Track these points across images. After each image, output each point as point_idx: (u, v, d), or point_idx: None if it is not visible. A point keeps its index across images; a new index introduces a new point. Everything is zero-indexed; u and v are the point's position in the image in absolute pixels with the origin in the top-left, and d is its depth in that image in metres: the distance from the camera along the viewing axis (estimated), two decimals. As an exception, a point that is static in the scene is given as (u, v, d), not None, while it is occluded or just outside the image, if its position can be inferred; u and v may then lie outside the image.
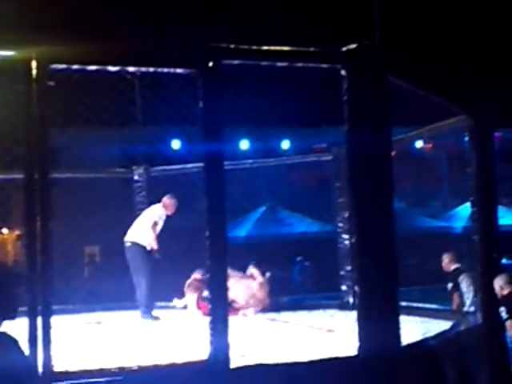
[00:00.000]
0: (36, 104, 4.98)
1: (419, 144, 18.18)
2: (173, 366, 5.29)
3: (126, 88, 9.06)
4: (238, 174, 11.22)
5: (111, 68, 5.12)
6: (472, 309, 8.75)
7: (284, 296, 11.03)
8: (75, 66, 5.04)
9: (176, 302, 10.43)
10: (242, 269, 10.34)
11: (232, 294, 9.91)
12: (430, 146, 17.79)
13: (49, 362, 4.92)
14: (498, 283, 7.80)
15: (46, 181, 5.08)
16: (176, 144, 18.09)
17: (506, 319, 7.60)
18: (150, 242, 9.57)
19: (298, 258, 19.51)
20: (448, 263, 9.75)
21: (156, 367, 5.24)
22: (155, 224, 9.65)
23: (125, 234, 9.83)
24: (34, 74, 4.93)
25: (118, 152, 15.23)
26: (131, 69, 5.29)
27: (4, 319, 3.87)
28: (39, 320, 4.93)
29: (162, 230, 9.77)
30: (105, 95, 9.10)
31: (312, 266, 19.03)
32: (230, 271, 9.96)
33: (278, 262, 19.15)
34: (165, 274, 10.30)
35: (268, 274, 10.21)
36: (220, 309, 5.24)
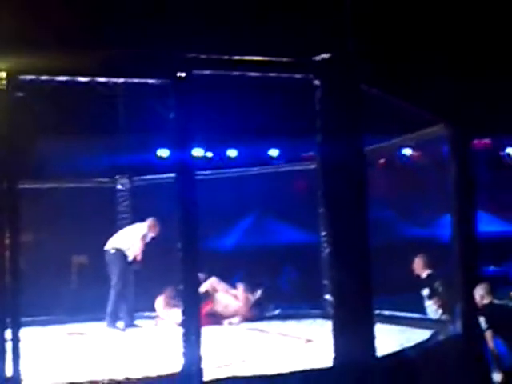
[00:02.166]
0: (5, 115, 4.95)
1: (408, 152, 18.19)
2: (145, 380, 5.23)
3: (110, 97, 9.02)
4: (224, 183, 11.20)
5: (81, 79, 5.08)
6: (443, 317, 8.73)
7: (270, 305, 10.96)
8: (44, 77, 5.00)
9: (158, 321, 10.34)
10: (231, 277, 10.38)
11: (219, 305, 9.95)
12: (418, 154, 17.79)
13: (18, 375, 4.86)
14: (479, 292, 7.77)
15: (14, 191, 5.01)
16: (164, 153, 18.03)
17: (486, 329, 7.58)
18: (134, 252, 9.73)
19: (286, 268, 19.44)
20: (422, 267, 9.62)
21: (128, 380, 5.19)
22: (144, 236, 9.84)
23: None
24: (3, 84, 4.90)
25: (104, 162, 15.15)
26: (101, 79, 5.24)
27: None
28: (8, 332, 4.87)
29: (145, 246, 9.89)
30: (87, 105, 9.07)
31: (299, 276, 18.95)
32: (217, 283, 10.07)
33: (266, 272, 19.11)
34: (151, 284, 10.26)
35: (259, 292, 10.20)
36: (193, 321, 5.20)
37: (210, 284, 10.03)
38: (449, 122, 6.90)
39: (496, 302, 8.05)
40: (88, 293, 13.42)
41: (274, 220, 19.81)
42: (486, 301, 7.84)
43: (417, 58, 6.07)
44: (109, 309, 9.53)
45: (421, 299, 9.59)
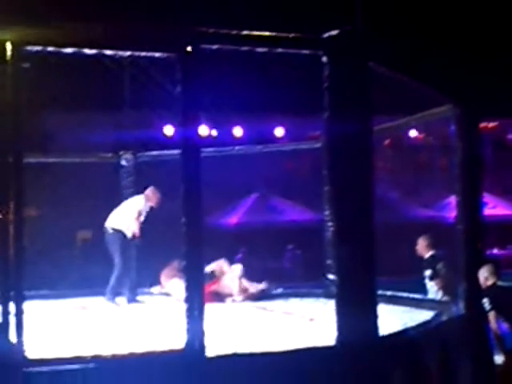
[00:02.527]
0: (11, 86, 4.91)
1: (413, 134, 18.12)
2: (148, 355, 5.23)
3: (118, 72, 8.98)
4: (229, 161, 11.18)
5: (87, 51, 5.04)
6: (445, 298, 8.73)
7: (274, 284, 10.97)
8: (50, 49, 4.96)
9: (154, 289, 10.41)
10: (234, 255, 10.36)
11: (224, 288, 9.91)
12: (424, 135, 17.75)
13: (21, 348, 4.86)
14: (483, 274, 7.78)
15: (20, 165, 4.99)
16: (169, 130, 18.00)
17: (489, 310, 7.58)
18: (132, 230, 9.67)
19: (290, 247, 19.46)
20: (425, 248, 9.59)
21: (132, 355, 5.19)
22: (139, 214, 9.75)
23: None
24: (9, 55, 4.86)
25: (110, 137, 15.13)
26: (108, 52, 5.20)
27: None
28: (11, 306, 4.87)
29: (145, 220, 9.85)
30: (94, 80, 9.03)
31: (303, 255, 18.99)
32: (225, 265, 10.03)
33: (270, 250, 19.13)
34: (153, 260, 10.28)
35: (265, 285, 10.17)
36: (196, 296, 5.19)
37: (217, 264, 10.00)
38: (457, 103, 6.84)
39: (500, 283, 8.05)
40: (92, 267, 13.49)
41: (278, 199, 19.81)
42: (490, 282, 7.84)
43: (426, 36, 6.00)
44: (110, 284, 9.55)
45: (422, 278, 9.58)
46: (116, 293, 9.58)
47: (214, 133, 18.31)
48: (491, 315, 7.62)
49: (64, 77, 8.24)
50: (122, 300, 9.60)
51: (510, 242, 22.94)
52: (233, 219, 18.91)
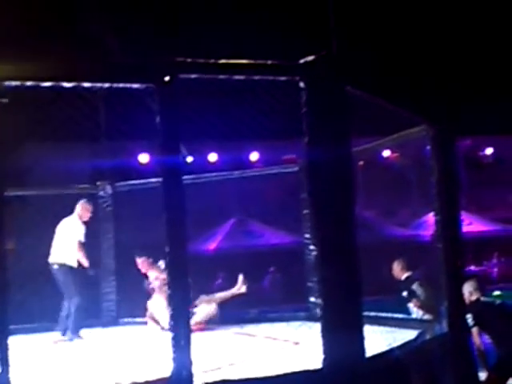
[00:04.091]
0: (-10, 122, 4.91)
1: (386, 153, 18.26)
2: (135, 385, 5.21)
3: (91, 103, 9.00)
4: (206, 188, 11.18)
5: (66, 84, 5.05)
6: (426, 317, 8.82)
7: (254, 308, 10.96)
8: (29, 83, 4.96)
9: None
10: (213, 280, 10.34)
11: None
12: (397, 155, 17.90)
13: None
14: (468, 289, 7.84)
15: (0, 199, 4.98)
16: (144, 158, 18.02)
17: (472, 326, 7.63)
18: (80, 261, 9.26)
19: (271, 269, 19.48)
20: (400, 271, 9.73)
21: (118, 386, 5.17)
22: (81, 243, 9.35)
23: (91, 250, 9.73)
24: (-13, 91, 4.86)
25: (85, 168, 15.10)
26: (87, 84, 5.22)
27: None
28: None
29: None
30: (68, 111, 9.02)
31: (283, 278, 19.01)
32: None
33: (249, 274, 19.06)
34: (130, 290, 10.23)
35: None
36: (182, 325, 5.17)
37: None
38: (432, 123, 6.93)
39: (483, 299, 8.12)
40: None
41: (255, 223, 19.84)
42: (474, 297, 7.90)
43: (400, 58, 6.09)
44: (71, 323, 9.08)
45: (402, 300, 9.68)
46: (79, 327, 9.18)
47: (189, 159, 18.38)
48: (474, 331, 7.67)
49: (39, 110, 8.24)
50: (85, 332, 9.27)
51: (485, 258, 23.15)
52: (211, 245, 18.90)
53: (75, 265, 9.27)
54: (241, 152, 19.47)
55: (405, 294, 9.51)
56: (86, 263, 9.29)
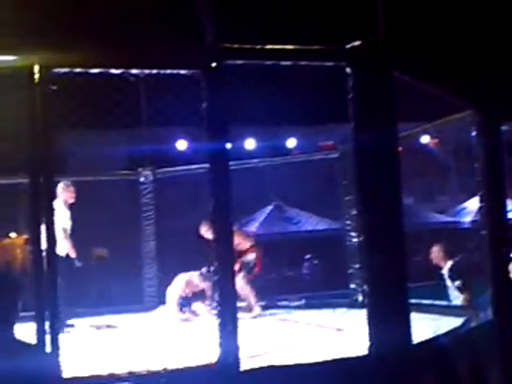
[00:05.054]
0: (39, 108, 4.95)
1: (425, 139, 18.08)
2: (182, 370, 5.24)
3: (131, 90, 9.03)
4: (244, 174, 11.20)
5: (114, 71, 5.08)
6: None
7: (294, 295, 10.97)
8: (78, 70, 5.00)
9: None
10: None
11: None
12: (436, 140, 17.71)
13: (57, 367, 4.88)
14: None
15: (50, 185, 5.04)
16: (182, 145, 18.05)
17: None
18: (65, 251, 8.54)
19: (307, 256, 19.46)
20: (441, 257, 9.56)
21: (165, 371, 5.20)
22: (65, 231, 8.62)
23: (133, 236, 9.81)
24: (37, 78, 4.91)
25: (124, 154, 15.22)
26: (134, 71, 5.24)
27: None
28: (47, 324, 4.89)
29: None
30: (109, 98, 9.07)
31: (321, 265, 18.98)
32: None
33: (287, 260, 19.13)
34: (172, 273, 10.27)
35: None
36: (229, 310, 5.19)
37: None
38: (478, 108, 6.84)
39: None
40: (110, 285, 13.53)
41: (293, 209, 19.80)
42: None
43: (446, 44, 6.03)
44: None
45: (443, 286, 9.56)
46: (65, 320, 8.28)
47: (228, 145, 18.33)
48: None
49: (79, 97, 8.29)
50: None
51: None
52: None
53: (62, 254, 8.23)
54: (277, 138, 19.42)
55: (457, 283, 9.29)
56: (73, 254, 8.73)
